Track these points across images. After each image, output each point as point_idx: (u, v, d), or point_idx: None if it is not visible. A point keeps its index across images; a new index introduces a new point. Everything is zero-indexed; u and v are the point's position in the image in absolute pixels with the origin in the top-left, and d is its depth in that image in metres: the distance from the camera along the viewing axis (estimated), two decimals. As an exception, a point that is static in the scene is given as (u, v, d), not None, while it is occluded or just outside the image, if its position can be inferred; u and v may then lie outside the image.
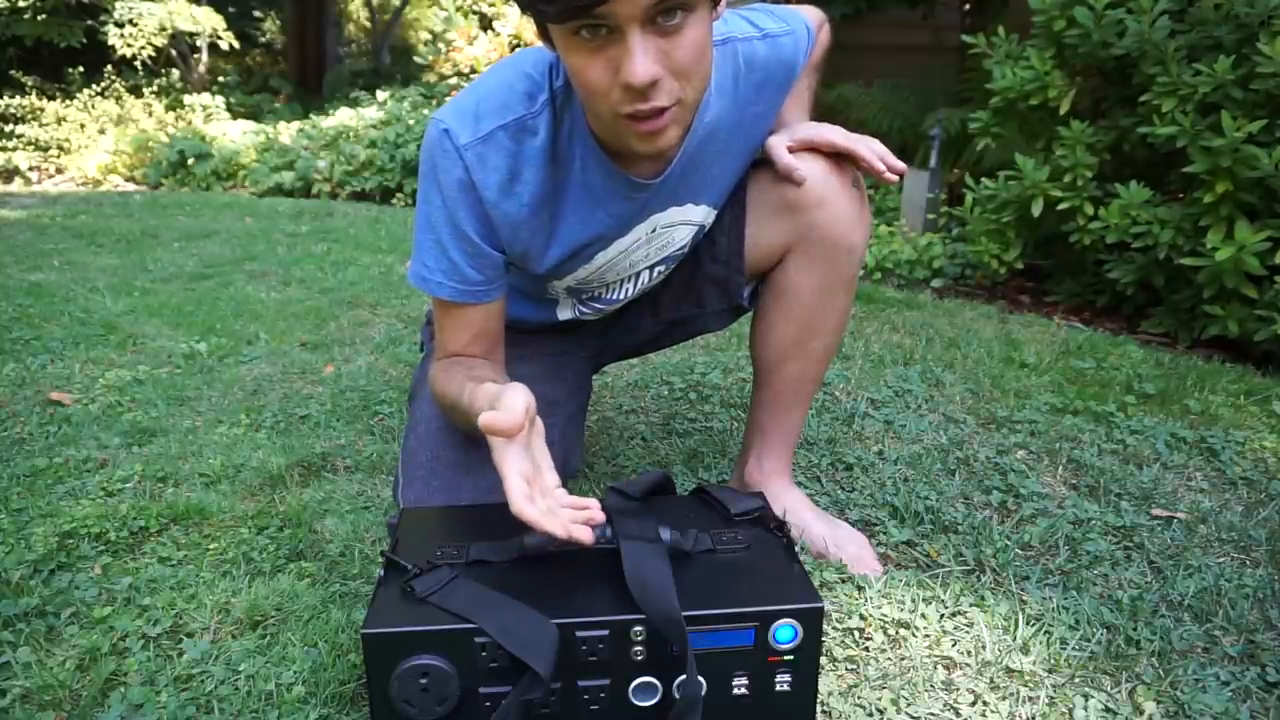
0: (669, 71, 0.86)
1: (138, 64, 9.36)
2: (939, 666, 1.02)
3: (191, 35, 9.68)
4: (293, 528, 1.32)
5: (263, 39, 12.94)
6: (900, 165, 1.12)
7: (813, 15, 1.21)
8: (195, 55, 10.10)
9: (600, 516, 0.85)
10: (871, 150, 1.13)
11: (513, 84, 1.02)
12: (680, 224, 1.17)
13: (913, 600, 1.14)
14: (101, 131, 8.31)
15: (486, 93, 1.02)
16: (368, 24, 14.36)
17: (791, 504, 1.28)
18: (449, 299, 1.08)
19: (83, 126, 8.35)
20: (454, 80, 7.12)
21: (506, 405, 0.85)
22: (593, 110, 0.95)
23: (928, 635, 1.08)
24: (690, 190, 1.13)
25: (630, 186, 1.06)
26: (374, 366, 2.12)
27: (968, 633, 1.08)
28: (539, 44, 0.98)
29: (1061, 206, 2.62)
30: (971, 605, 1.14)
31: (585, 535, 0.82)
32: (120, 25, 8.87)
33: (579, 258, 1.13)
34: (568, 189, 1.06)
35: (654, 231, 1.15)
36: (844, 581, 1.18)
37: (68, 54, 9.64)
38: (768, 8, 1.15)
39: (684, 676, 0.81)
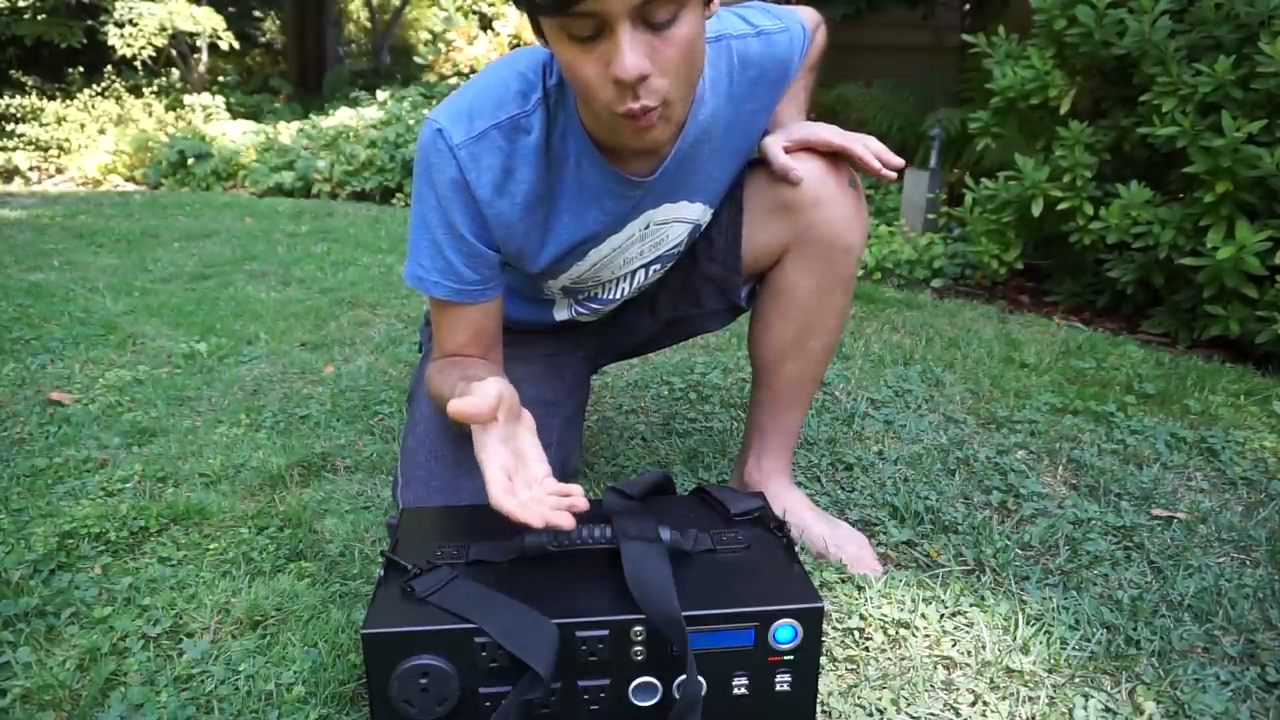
0: (657, 69, 0.86)
1: (138, 64, 9.36)
2: (939, 666, 1.02)
3: (191, 35, 9.68)
4: (293, 528, 1.32)
5: (263, 39, 12.95)
6: (897, 161, 1.12)
7: (809, 16, 1.21)
8: (195, 55, 10.10)
9: (583, 504, 0.84)
10: (867, 148, 1.13)
11: (506, 83, 1.02)
12: (675, 221, 1.17)
13: (913, 600, 1.14)
14: (101, 131, 8.32)
15: (480, 92, 1.02)
16: (368, 24, 14.36)
17: (791, 504, 1.28)
18: (445, 298, 1.08)
19: (83, 126, 8.35)
20: (454, 80, 7.13)
21: (478, 391, 0.85)
22: (588, 106, 0.95)
23: (928, 635, 1.08)
24: (684, 187, 1.13)
25: (625, 184, 1.06)
26: (374, 366, 2.12)
27: (968, 633, 1.08)
28: (537, 44, 0.98)
29: (1061, 206, 2.62)
30: (971, 605, 1.14)
31: (565, 521, 0.81)
32: (120, 25, 8.88)
33: (573, 255, 1.13)
34: (562, 187, 1.06)
35: (647, 228, 1.15)
36: (844, 581, 1.18)
37: (68, 54, 9.64)
38: (763, 6, 1.15)
39: (684, 676, 0.81)
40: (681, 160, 1.08)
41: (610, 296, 1.26)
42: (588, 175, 1.05)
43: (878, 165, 1.12)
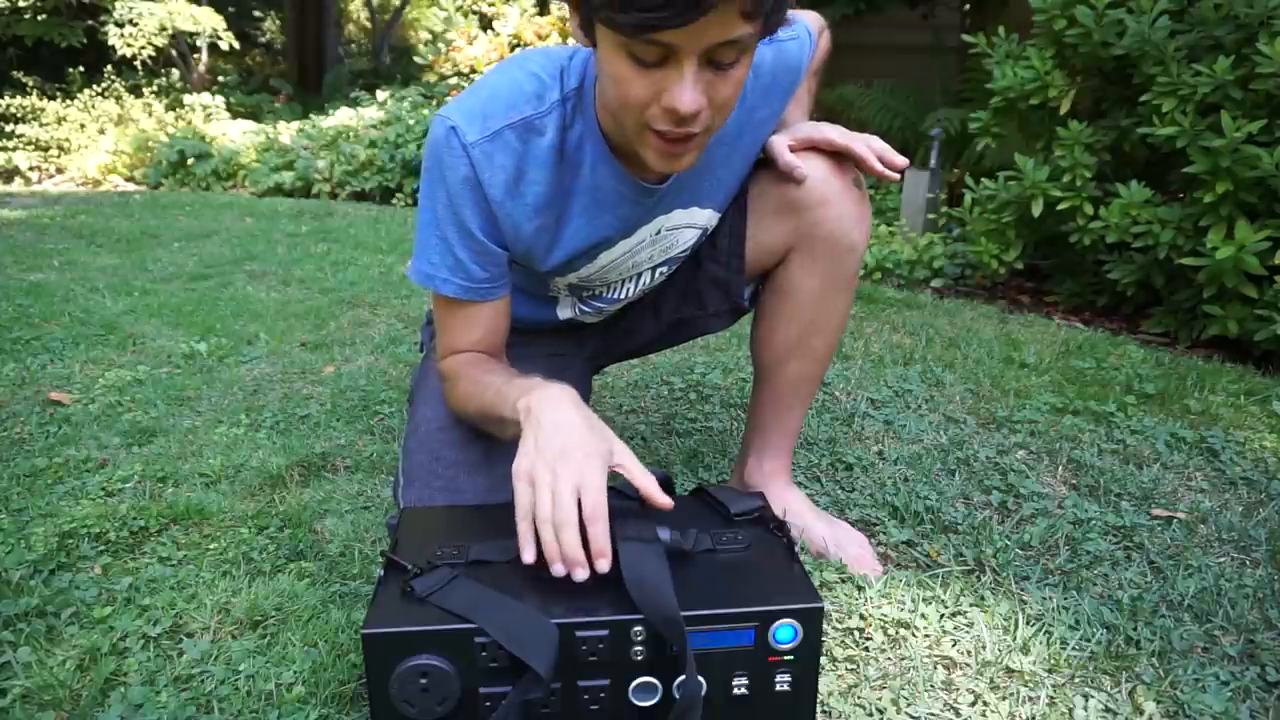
0: (709, 102, 0.87)
1: (138, 64, 9.37)
2: (939, 666, 1.02)
3: (191, 35, 9.69)
4: (293, 528, 1.32)
5: (263, 39, 12.96)
6: (900, 161, 1.12)
7: (813, 21, 1.21)
8: (195, 55, 10.11)
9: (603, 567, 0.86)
10: (869, 148, 1.13)
11: (521, 84, 1.02)
12: (685, 226, 1.17)
13: (913, 600, 1.14)
14: (101, 131, 8.32)
15: (494, 92, 1.02)
16: (368, 24, 14.37)
17: (791, 504, 1.28)
18: (455, 296, 1.08)
19: (83, 126, 8.36)
20: (454, 80, 7.13)
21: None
22: (616, 119, 0.95)
23: (928, 635, 1.08)
24: (696, 193, 1.13)
25: (639, 191, 1.07)
26: (374, 366, 2.12)
27: (968, 633, 1.08)
28: (542, 45, 0.98)
29: (1061, 207, 2.62)
30: (971, 605, 1.14)
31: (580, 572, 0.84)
32: (120, 25, 8.89)
33: (583, 257, 1.13)
34: (575, 192, 1.06)
35: (659, 233, 1.15)
36: (844, 581, 1.18)
37: (68, 54, 9.66)
38: None
39: (684, 676, 0.81)
40: (695, 167, 1.08)
41: (615, 297, 1.26)
42: (603, 180, 1.05)
43: (880, 167, 1.12)
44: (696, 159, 0.95)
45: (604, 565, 0.83)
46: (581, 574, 0.83)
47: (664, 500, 0.89)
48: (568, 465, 0.85)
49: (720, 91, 0.87)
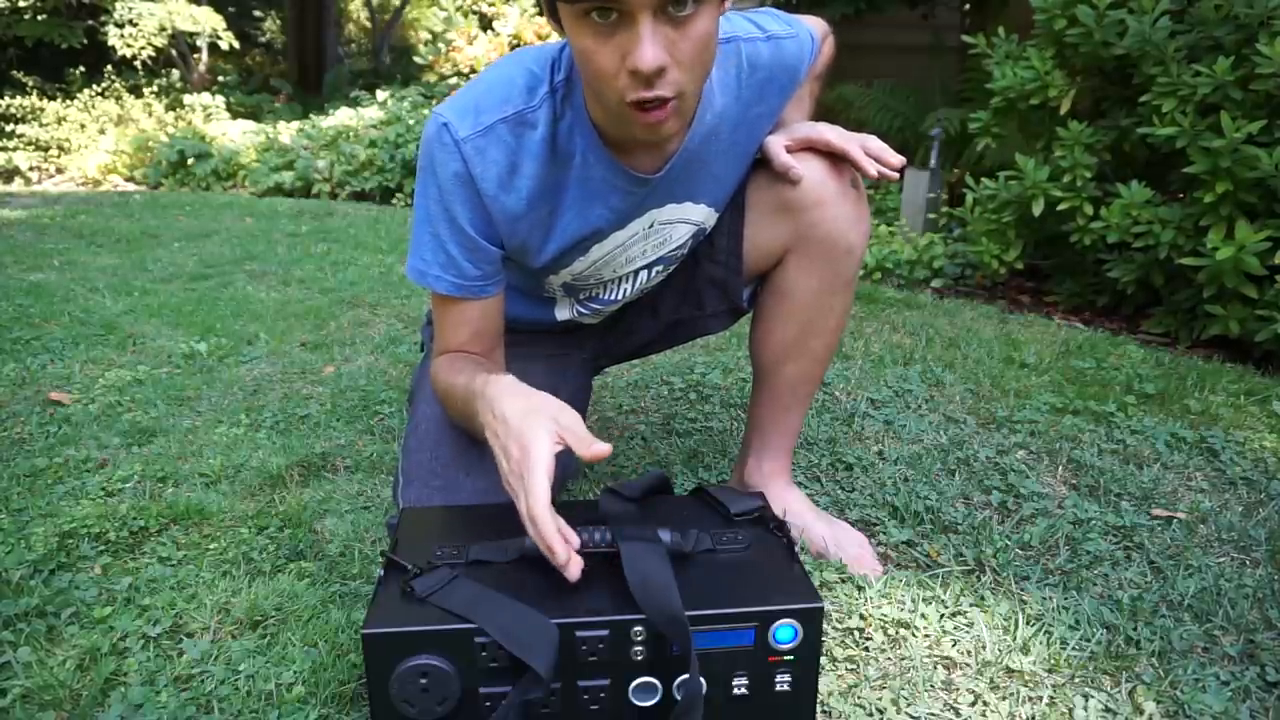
0: (675, 61, 0.87)
1: (138, 64, 9.37)
2: (939, 666, 1.03)
3: (191, 35, 9.70)
4: (293, 528, 1.32)
5: (263, 39, 12.96)
6: (896, 160, 1.11)
7: (818, 26, 1.21)
8: (195, 55, 10.11)
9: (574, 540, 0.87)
10: (866, 149, 1.13)
11: (513, 78, 1.02)
12: (679, 222, 1.17)
13: (913, 600, 1.14)
14: (101, 131, 8.32)
15: (487, 87, 1.02)
16: (368, 24, 14.37)
17: (791, 504, 1.28)
18: (447, 293, 1.08)
19: (83, 126, 8.36)
20: (454, 80, 7.14)
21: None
22: (598, 96, 0.95)
23: (928, 635, 1.08)
24: (690, 188, 1.13)
25: (631, 181, 1.07)
26: (374, 366, 2.12)
27: (968, 633, 1.08)
28: (540, 43, 0.99)
29: (1062, 207, 2.62)
30: (971, 605, 1.14)
31: (575, 570, 0.84)
32: (120, 25, 8.89)
33: (575, 250, 1.13)
34: (567, 183, 1.06)
35: (651, 227, 1.15)
36: (844, 581, 1.18)
37: (68, 54, 9.66)
38: (773, 11, 1.16)
39: (685, 676, 0.81)
40: (689, 159, 1.09)
41: (612, 297, 1.26)
42: (594, 171, 1.05)
43: (873, 171, 1.12)
44: (682, 128, 0.95)
45: (536, 508, 0.83)
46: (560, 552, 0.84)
47: (600, 449, 0.86)
48: (514, 441, 0.88)
49: (682, 48, 0.87)
